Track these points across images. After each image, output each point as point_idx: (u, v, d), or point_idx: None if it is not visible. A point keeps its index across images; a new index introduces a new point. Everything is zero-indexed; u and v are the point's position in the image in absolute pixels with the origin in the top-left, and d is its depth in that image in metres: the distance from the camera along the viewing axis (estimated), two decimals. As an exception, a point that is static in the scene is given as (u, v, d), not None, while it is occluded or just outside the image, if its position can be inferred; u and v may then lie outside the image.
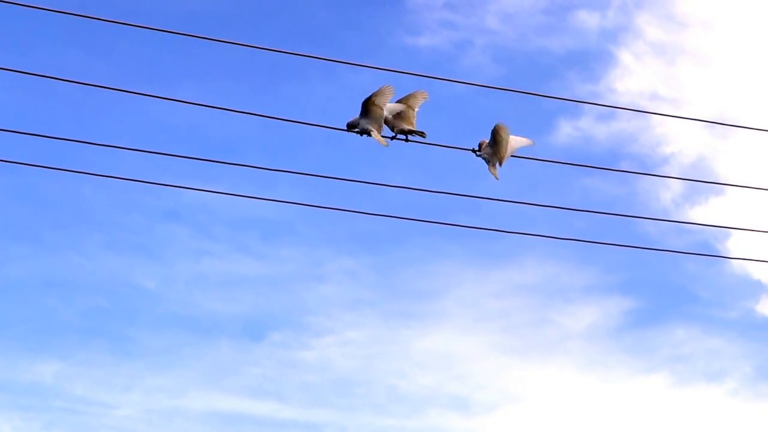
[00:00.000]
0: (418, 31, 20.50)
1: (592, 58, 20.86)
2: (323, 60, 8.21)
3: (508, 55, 20.78)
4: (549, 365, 20.08)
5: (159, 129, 18.69)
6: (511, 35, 20.65)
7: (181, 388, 19.37)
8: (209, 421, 19.16)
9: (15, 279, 19.82)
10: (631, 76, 20.69)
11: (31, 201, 20.07)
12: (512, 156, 8.82)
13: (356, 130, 8.70)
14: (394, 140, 8.83)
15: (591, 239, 9.23)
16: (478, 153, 8.84)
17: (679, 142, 20.45)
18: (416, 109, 8.87)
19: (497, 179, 8.82)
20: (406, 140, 8.83)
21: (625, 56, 20.55)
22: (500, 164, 8.83)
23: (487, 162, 8.85)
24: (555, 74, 20.97)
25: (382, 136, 8.72)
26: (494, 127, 8.81)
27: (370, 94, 8.63)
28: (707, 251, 16.69)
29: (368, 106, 8.68)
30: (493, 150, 8.84)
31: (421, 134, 8.83)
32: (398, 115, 8.81)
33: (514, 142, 8.85)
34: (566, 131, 20.25)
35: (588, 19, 20.68)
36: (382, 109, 8.67)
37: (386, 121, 8.78)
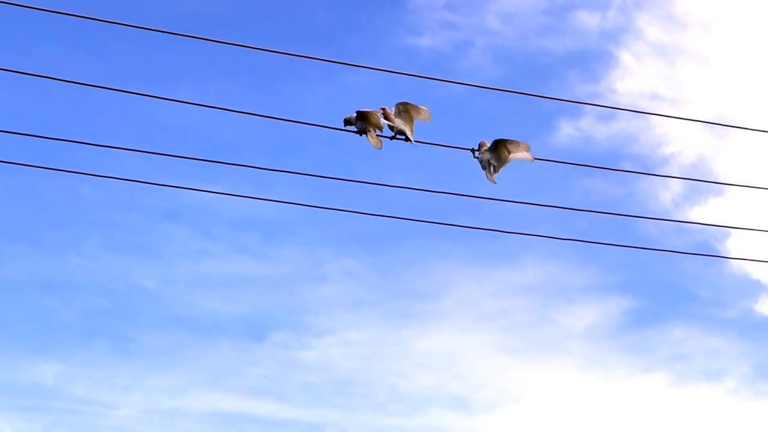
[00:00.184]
0: (418, 31, 20.52)
1: (593, 59, 20.88)
2: (323, 61, 8.22)
3: (509, 56, 20.81)
4: (549, 365, 20.10)
5: (159, 129, 18.71)
6: (511, 36, 20.67)
7: (181, 389, 19.38)
8: (210, 421, 19.18)
9: (15, 280, 19.84)
10: (632, 77, 20.71)
11: (31, 201, 20.09)
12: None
13: (354, 129, 8.71)
14: (394, 140, 8.84)
15: (591, 239, 9.24)
16: (476, 155, 8.85)
17: (679, 143, 20.47)
18: (415, 120, 8.87)
19: (495, 183, 8.83)
20: (406, 140, 8.83)
21: (625, 57, 20.56)
22: (495, 171, 8.85)
23: (483, 167, 8.86)
24: (555, 74, 21.00)
25: (379, 136, 8.75)
26: (499, 140, 8.81)
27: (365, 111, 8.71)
28: (707, 251, 16.70)
29: (364, 114, 8.72)
30: (492, 156, 8.84)
31: (414, 142, 8.83)
32: (399, 116, 8.82)
33: (515, 155, 8.85)
34: (567, 132, 20.27)
35: (588, 20, 20.70)
36: (379, 119, 8.72)
37: (388, 119, 8.79)
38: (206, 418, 19.17)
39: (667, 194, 20.24)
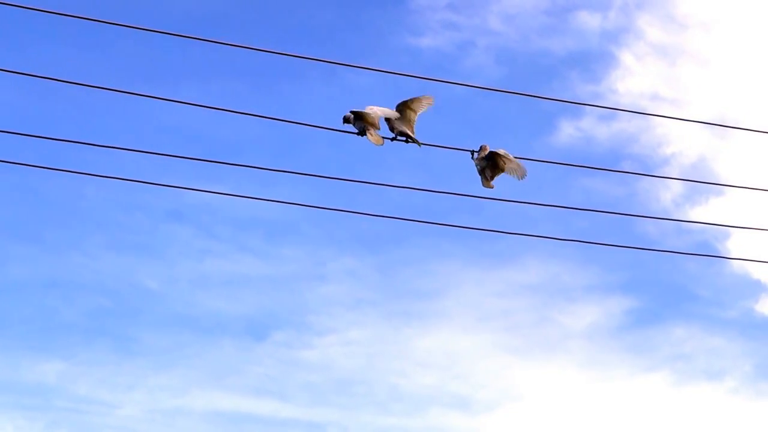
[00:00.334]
0: (420, 31, 20.55)
1: (594, 59, 20.90)
2: (325, 62, 8.24)
3: (510, 56, 20.83)
4: (550, 364, 20.13)
5: (161, 130, 18.75)
6: (513, 36, 20.70)
7: (183, 388, 19.41)
8: (212, 420, 19.21)
9: (18, 279, 19.87)
10: (632, 77, 20.73)
11: (34, 201, 20.12)
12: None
13: (354, 131, 8.74)
14: (395, 141, 8.86)
15: (592, 239, 9.26)
16: (475, 157, 8.88)
17: (680, 143, 20.49)
18: (418, 113, 8.90)
19: (492, 188, 8.87)
20: (406, 141, 8.86)
21: (626, 57, 20.59)
22: (490, 179, 8.89)
23: (478, 171, 8.90)
24: (556, 75, 21.02)
25: (381, 137, 8.78)
26: (496, 153, 8.84)
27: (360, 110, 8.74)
28: (707, 251, 16.73)
29: (361, 113, 8.75)
30: (487, 165, 8.88)
31: (417, 143, 8.85)
32: (399, 117, 8.85)
33: (509, 169, 8.89)
34: (567, 132, 20.30)
35: (589, 20, 20.72)
36: (377, 116, 8.74)
37: (387, 120, 8.82)
38: (208, 418, 19.22)
39: (667, 194, 20.27)
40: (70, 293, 19.87)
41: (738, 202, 18.69)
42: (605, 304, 20.37)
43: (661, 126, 20.49)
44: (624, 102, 20.29)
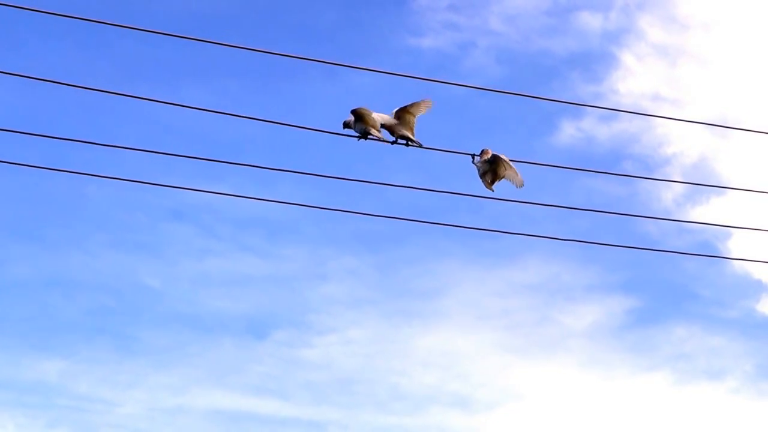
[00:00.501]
0: (421, 32, 20.57)
1: (595, 60, 20.92)
2: (327, 63, 8.26)
3: (511, 56, 20.85)
4: (551, 363, 20.15)
5: (163, 130, 18.76)
6: (514, 37, 20.71)
7: (184, 386, 19.44)
8: (212, 418, 19.24)
9: (20, 278, 19.90)
10: (633, 77, 20.75)
11: (36, 201, 20.15)
12: (513, 161, 8.87)
13: (355, 135, 8.75)
14: (395, 144, 8.87)
15: (593, 239, 9.27)
16: (475, 161, 8.89)
17: (681, 143, 20.50)
18: (417, 116, 8.92)
19: (492, 191, 8.89)
20: (407, 145, 8.87)
21: (627, 57, 20.61)
22: (491, 183, 8.90)
23: (480, 175, 8.91)
24: (558, 75, 21.04)
25: (383, 140, 8.80)
26: (499, 158, 8.84)
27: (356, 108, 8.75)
28: (708, 251, 16.75)
29: (359, 113, 8.77)
30: (489, 169, 8.89)
31: (418, 145, 8.87)
32: (399, 121, 8.86)
33: (508, 176, 8.90)
34: (569, 132, 20.31)
35: (590, 21, 20.74)
36: (375, 120, 8.76)
37: (386, 126, 8.84)
38: (208, 416, 19.24)
39: (668, 194, 20.29)
40: (71, 292, 19.91)
41: (739, 202, 18.70)
42: (606, 303, 20.40)
43: (662, 126, 20.51)
44: (625, 102, 20.32)
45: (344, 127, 8.77)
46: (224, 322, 19.98)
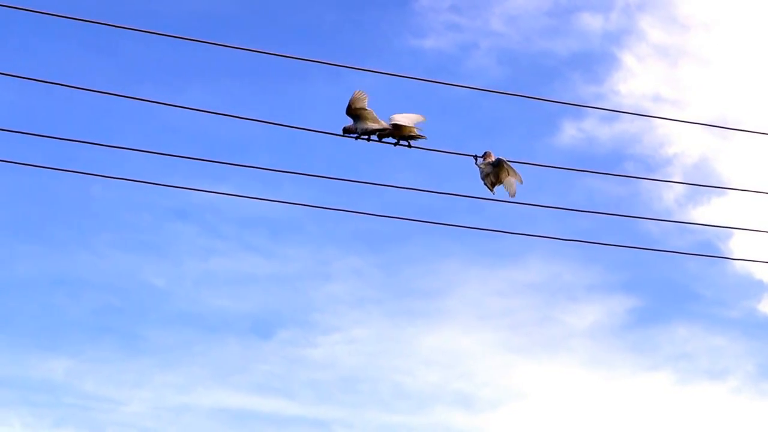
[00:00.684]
0: (423, 33, 20.62)
1: (596, 60, 20.97)
2: (329, 64, 8.32)
3: (513, 57, 20.90)
4: (553, 363, 20.20)
5: (167, 130, 18.82)
6: (515, 37, 20.77)
7: (189, 385, 19.50)
8: (217, 417, 19.30)
9: (26, 277, 19.97)
10: (634, 78, 20.80)
11: (42, 201, 20.22)
12: (513, 162, 8.92)
13: (355, 135, 8.78)
14: (398, 146, 8.90)
15: (594, 239, 9.30)
16: (478, 162, 8.92)
17: (682, 143, 20.55)
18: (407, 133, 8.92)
19: (493, 193, 8.92)
20: (409, 146, 8.89)
21: (628, 58, 20.66)
22: (493, 185, 8.94)
23: (482, 177, 8.94)
24: (559, 76, 21.08)
25: (384, 142, 8.84)
26: (503, 161, 8.86)
27: (347, 103, 8.76)
28: (710, 251, 16.81)
29: (355, 113, 8.79)
30: (492, 171, 8.92)
31: (422, 137, 8.89)
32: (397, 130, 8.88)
33: (506, 183, 8.93)
34: (570, 132, 20.35)
35: (591, 22, 20.79)
36: (370, 111, 8.78)
37: (386, 132, 8.86)
38: (213, 415, 19.30)
39: (670, 194, 20.33)
40: (77, 291, 19.99)
41: (740, 202, 18.75)
42: (608, 303, 20.46)
43: (663, 126, 20.57)
44: (626, 103, 20.38)
45: (345, 133, 8.79)
46: (229, 322, 20.06)
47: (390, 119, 8.84)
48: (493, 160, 8.88)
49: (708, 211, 20.05)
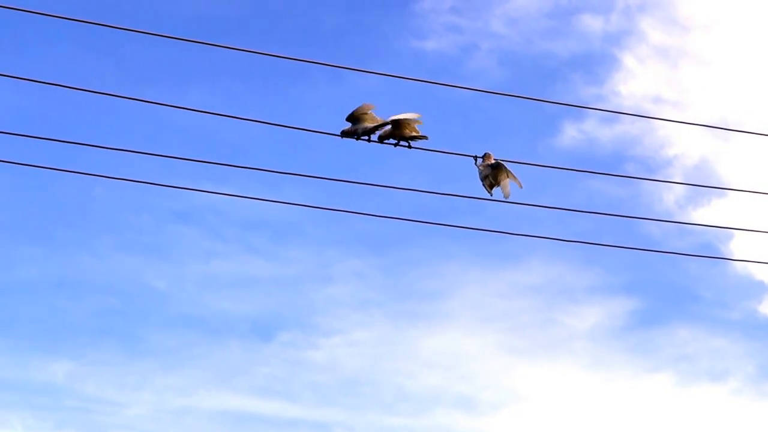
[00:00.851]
0: (424, 34, 20.64)
1: (596, 62, 20.99)
2: (331, 66, 8.33)
3: (514, 59, 20.92)
4: (554, 365, 20.21)
5: (169, 132, 18.84)
6: (516, 39, 20.79)
7: (191, 388, 19.52)
8: (219, 419, 19.32)
9: (27, 279, 19.99)
10: (635, 79, 20.81)
11: (44, 202, 20.24)
12: (514, 162, 8.93)
13: (355, 136, 8.78)
14: (398, 147, 8.90)
15: (595, 241, 9.31)
16: (478, 163, 8.93)
17: (682, 144, 20.57)
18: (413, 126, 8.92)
19: (491, 195, 8.92)
20: (409, 147, 8.89)
21: (628, 59, 20.68)
22: (491, 187, 8.95)
23: (481, 178, 8.95)
24: (560, 77, 21.10)
25: (385, 143, 8.84)
26: (502, 164, 8.87)
27: (351, 111, 8.77)
28: (710, 252, 16.84)
29: (356, 117, 8.80)
30: (491, 174, 8.92)
31: (424, 138, 8.89)
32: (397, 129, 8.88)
33: (502, 185, 8.92)
34: (571, 134, 20.37)
35: (592, 23, 20.81)
36: (374, 116, 8.78)
37: (386, 133, 8.86)
38: (215, 417, 19.32)
39: (670, 195, 20.35)
40: (78, 293, 20.00)
41: (741, 203, 18.77)
42: (608, 305, 20.47)
43: (664, 128, 20.57)
44: (627, 104, 20.39)
45: (344, 136, 8.78)
46: (230, 324, 20.07)
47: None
48: (493, 161, 8.89)
49: (708, 213, 20.07)
